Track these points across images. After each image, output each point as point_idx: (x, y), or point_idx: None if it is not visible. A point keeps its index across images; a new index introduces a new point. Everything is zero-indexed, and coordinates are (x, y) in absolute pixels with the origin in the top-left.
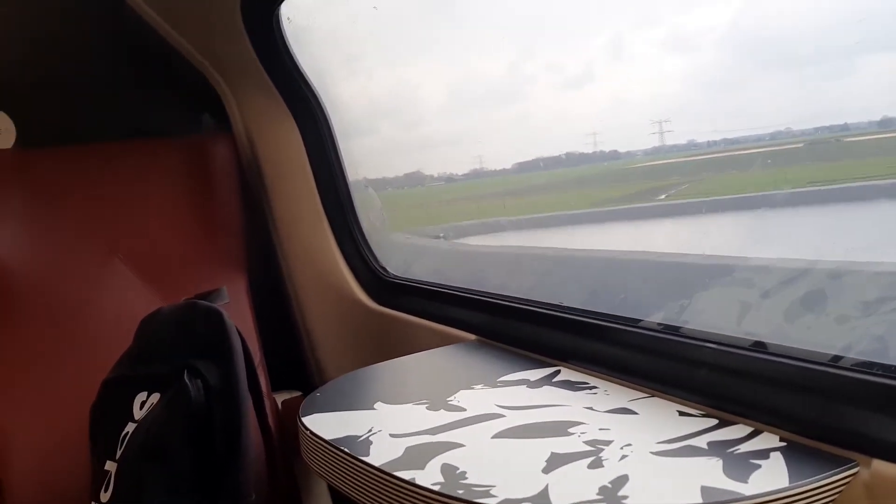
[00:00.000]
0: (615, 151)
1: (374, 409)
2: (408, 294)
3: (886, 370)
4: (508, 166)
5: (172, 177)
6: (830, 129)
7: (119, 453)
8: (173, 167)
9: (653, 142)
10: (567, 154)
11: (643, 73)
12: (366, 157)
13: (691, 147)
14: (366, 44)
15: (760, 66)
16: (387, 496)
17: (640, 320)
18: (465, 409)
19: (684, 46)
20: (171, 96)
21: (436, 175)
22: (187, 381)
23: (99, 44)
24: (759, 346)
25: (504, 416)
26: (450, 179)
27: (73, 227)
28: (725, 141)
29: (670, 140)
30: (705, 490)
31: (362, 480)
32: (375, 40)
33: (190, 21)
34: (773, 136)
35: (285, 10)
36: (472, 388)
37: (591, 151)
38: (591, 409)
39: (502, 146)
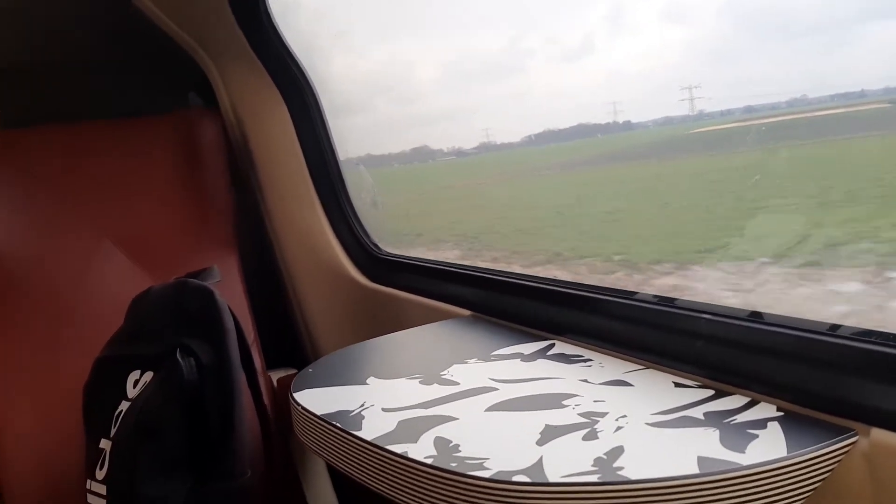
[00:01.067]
0: (628, 122)
1: (366, 384)
2: (401, 270)
3: (885, 338)
4: (517, 139)
5: (161, 155)
6: (846, 96)
7: (113, 431)
8: (161, 146)
9: (660, 113)
10: (580, 125)
11: (644, 45)
12: (366, 133)
13: (703, 117)
14: (357, 19)
15: (762, 36)
16: (380, 470)
17: (635, 293)
18: (458, 383)
19: (684, 17)
20: (156, 75)
21: (445, 149)
22: (180, 359)
23: (84, 23)
24: (756, 316)
25: (498, 389)
26: (460, 153)
27: (60, 207)
28: (743, 109)
29: (677, 111)
30: (702, 460)
31: (355, 455)
32: (367, 15)
33: None
34: (790, 104)
35: None
36: (466, 363)
37: (604, 122)
38: (585, 381)
39: (506, 120)
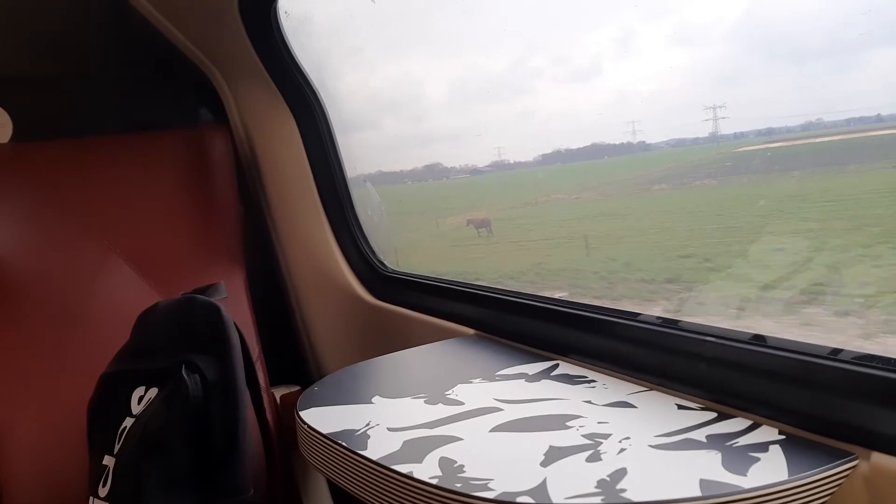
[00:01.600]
0: (643, 142)
1: (371, 403)
2: (406, 288)
3: (886, 363)
4: (530, 158)
5: (170, 170)
6: (862, 120)
7: (117, 448)
8: (170, 161)
9: (670, 134)
10: (594, 144)
11: (654, 67)
12: (375, 150)
13: (717, 139)
14: (368, 37)
15: (770, 59)
16: (385, 490)
17: (639, 314)
18: (463, 403)
19: (692, 39)
20: (168, 90)
21: (458, 167)
22: (185, 375)
23: (96, 37)
24: (759, 339)
25: (502, 409)
26: (475, 171)
27: (70, 221)
28: (755, 132)
29: (682, 134)
30: (704, 483)
31: (360, 474)
32: (378, 33)
33: (187, 14)
34: (805, 128)
35: (283, 4)
36: (471, 382)
37: (619, 143)
38: (589, 402)
39: (517, 139)
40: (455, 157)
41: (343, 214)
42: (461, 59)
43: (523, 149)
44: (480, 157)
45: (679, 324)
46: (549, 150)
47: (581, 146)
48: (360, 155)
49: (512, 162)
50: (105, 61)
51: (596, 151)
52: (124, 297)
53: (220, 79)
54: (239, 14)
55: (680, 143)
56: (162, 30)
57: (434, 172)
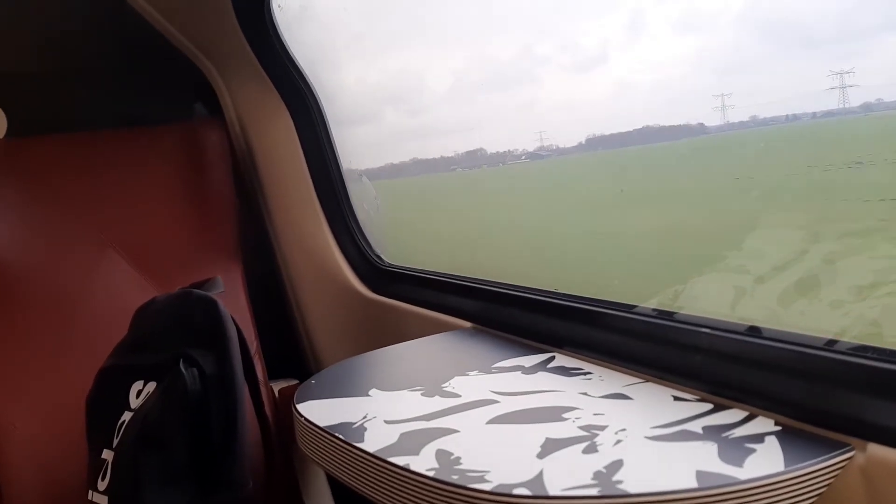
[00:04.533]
0: (702, 124)
1: (368, 395)
2: (403, 282)
3: (881, 354)
4: (574, 143)
5: (165, 165)
6: None
7: (116, 442)
8: (166, 155)
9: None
10: (646, 127)
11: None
12: (404, 139)
13: (771, 121)
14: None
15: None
16: (381, 482)
17: (635, 306)
18: (459, 396)
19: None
20: (162, 86)
21: (519, 151)
22: (183, 369)
23: (90, 33)
24: (754, 330)
25: (498, 402)
26: (533, 156)
27: (66, 216)
28: (808, 115)
29: (730, 117)
30: (700, 474)
31: (357, 466)
32: (379, 23)
33: (181, 9)
34: (865, 109)
35: None
36: (467, 375)
37: (674, 125)
38: (585, 394)
39: (561, 123)
40: (496, 142)
41: (340, 209)
42: (492, 44)
43: (567, 133)
44: (524, 142)
45: (674, 315)
46: (591, 135)
47: (632, 129)
48: (385, 144)
49: (555, 147)
50: (99, 57)
51: (649, 135)
52: (121, 292)
53: (214, 73)
54: (233, 8)
55: (726, 127)
56: (155, 24)
57: (480, 158)
